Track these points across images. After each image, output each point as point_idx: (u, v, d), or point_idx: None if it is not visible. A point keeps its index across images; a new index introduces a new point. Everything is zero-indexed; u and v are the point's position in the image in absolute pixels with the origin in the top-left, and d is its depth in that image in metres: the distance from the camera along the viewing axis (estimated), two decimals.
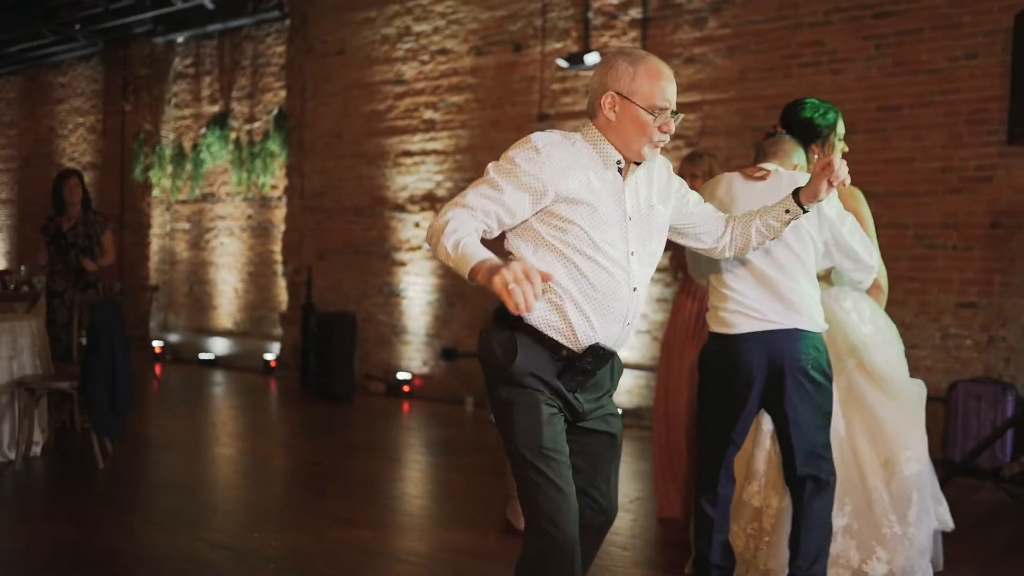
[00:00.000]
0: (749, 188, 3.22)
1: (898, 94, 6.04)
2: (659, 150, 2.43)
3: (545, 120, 7.69)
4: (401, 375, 8.62)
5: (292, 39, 9.65)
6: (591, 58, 7.26)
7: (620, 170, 2.41)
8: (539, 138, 2.35)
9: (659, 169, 2.56)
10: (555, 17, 7.70)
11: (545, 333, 2.36)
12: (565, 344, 2.36)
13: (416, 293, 8.70)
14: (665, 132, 2.39)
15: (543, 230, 2.35)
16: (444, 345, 8.44)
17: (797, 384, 3.15)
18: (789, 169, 3.31)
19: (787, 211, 2.77)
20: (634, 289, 2.41)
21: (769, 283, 3.16)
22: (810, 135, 3.46)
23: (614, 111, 2.37)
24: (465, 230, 2.20)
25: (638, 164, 2.43)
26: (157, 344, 10.97)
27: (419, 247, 8.62)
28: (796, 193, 2.76)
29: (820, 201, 2.74)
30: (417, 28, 8.62)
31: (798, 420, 3.17)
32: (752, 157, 3.53)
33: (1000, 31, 5.64)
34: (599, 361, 2.40)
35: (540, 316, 2.35)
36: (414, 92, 8.66)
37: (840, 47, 6.26)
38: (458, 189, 8.26)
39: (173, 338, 11.23)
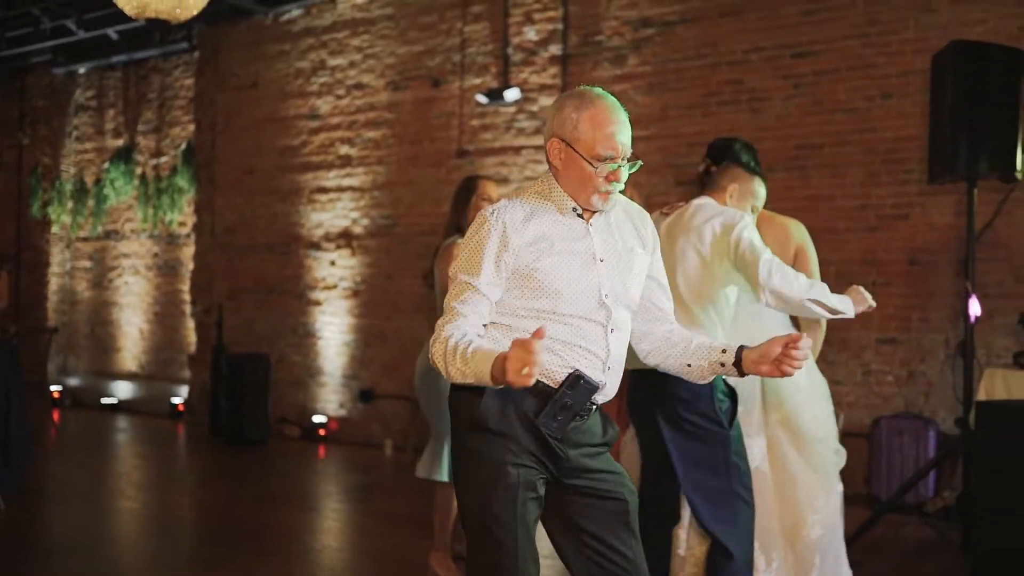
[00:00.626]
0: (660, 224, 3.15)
1: (817, 133, 6.11)
2: (611, 200, 2.29)
3: (464, 156, 7.58)
4: (317, 418, 8.33)
5: (202, 72, 9.36)
6: (511, 94, 7.19)
7: (580, 215, 2.28)
8: (487, 210, 2.24)
9: (641, 217, 2.41)
10: (474, 52, 7.62)
11: None
12: (541, 380, 2.15)
13: (332, 333, 8.44)
14: (613, 181, 2.23)
15: (505, 298, 2.22)
16: (362, 386, 8.20)
17: (672, 424, 3.10)
18: (725, 203, 3.26)
19: (722, 364, 2.31)
20: (611, 331, 2.26)
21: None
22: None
23: (560, 158, 2.23)
24: (462, 334, 2.08)
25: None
26: (55, 389, 10.41)
27: (335, 286, 8.38)
28: (741, 352, 2.28)
29: (756, 370, 2.26)
30: (332, 62, 8.44)
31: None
32: (674, 194, 3.50)
33: (914, 72, 5.76)
34: (581, 395, 2.18)
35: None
36: (329, 127, 8.46)
37: (759, 86, 6.31)
38: (375, 226, 8.09)
39: (73, 382, 10.69)
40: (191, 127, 9.54)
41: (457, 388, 2.21)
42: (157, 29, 8.51)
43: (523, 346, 1.89)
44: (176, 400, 9.51)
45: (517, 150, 7.37)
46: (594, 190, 2.23)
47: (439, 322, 2.15)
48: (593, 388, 2.20)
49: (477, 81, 7.57)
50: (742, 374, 2.29)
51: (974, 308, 4.50)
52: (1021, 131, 4.40)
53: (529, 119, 7.31)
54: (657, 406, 3.11)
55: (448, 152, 7.69)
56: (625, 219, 2.36)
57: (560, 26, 7.17)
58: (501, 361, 1.93)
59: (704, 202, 3.27)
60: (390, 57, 8.10)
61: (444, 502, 4.14)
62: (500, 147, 7.46)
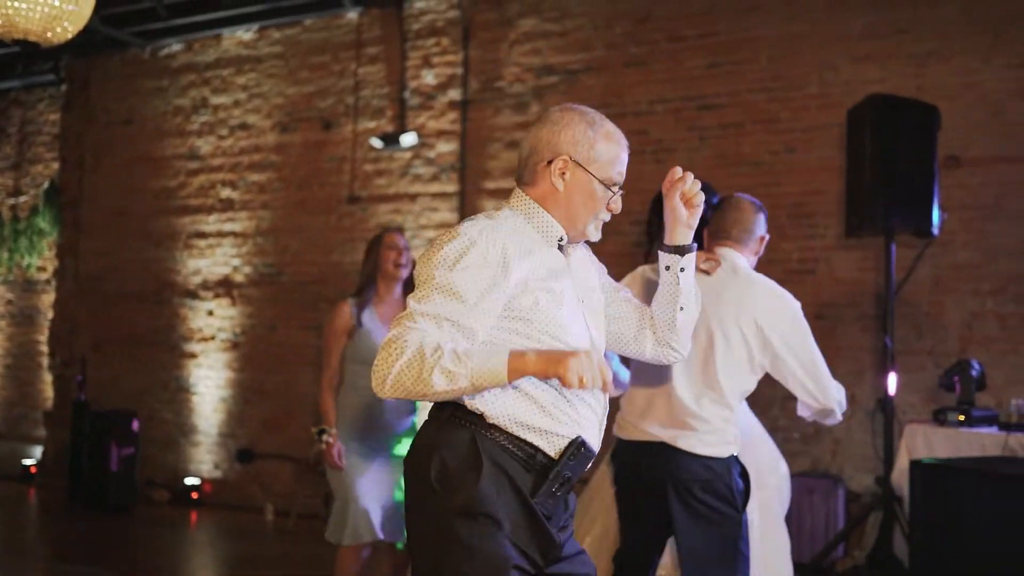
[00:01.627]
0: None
1: (723, 186, 6.00)
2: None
3: (356, 203, 7.22)
4: (189, 480, 7.69)
5: (69, 106, 8.72)
6: (407, 139, 6.91)
7: (561, 247, 2.00)
8: (470, 226, 1.91)
9: (587, 251, 2.18)
10: (368, 95, 7.31)
11: (517, 435, 1.86)
12: (541, 447, 1.86)
13: (208, 388, 7.86)
14: (612, 211, 2.04)
15: (499, 337, 1.90)
16: (239, 446, 7.63)
17: (684, 505, 2.82)
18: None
19: (667, 267, 2.18)
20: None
21: (661, 386, 2.85)
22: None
23: (563, 179, 1.97)
24: (443, 342, 1.77)
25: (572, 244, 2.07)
26: None
27: (212, 337, 7.82)
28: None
29: (685, 227, 2.16)
30: (215, 100, 7.98)
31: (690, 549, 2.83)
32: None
33: (818, 127, 5.77)
34: (580, 465, 1.91)
35: (507, 411, 1.85)
36: (210, 169, 7.97)
37: (664, 137, 6.22)
38: (258, 274, 7.61)
39: None
40: (55, 165, 8.86)
41: (447, 460, 1.83)
42: (23, 53, 7.87)
43: (589, 356, 1.71)
44: (28, 462, 8.66)
45: (413, 197, 7.06)
46: (594, 219, 1.99)
47: (390, 336, 1.81)
48: (591, 455, 1.92)
49: (371, 124, 7.26)
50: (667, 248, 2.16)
51: (892, 382, 4.46)
52: (937, 186, 4.38)
53: (426, 165, 7.03)
54: (669, 483, 2.80)
55: (339, 198, 7.31)
56: (584, 254, 2.12)
57: (460, 71, 6.95)
58: (544, 358, 1.71)
59: (739, 261, 3.00)
60: (278, 97, 7.70)
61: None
62: (394, 194, 7.14)
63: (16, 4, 4.57)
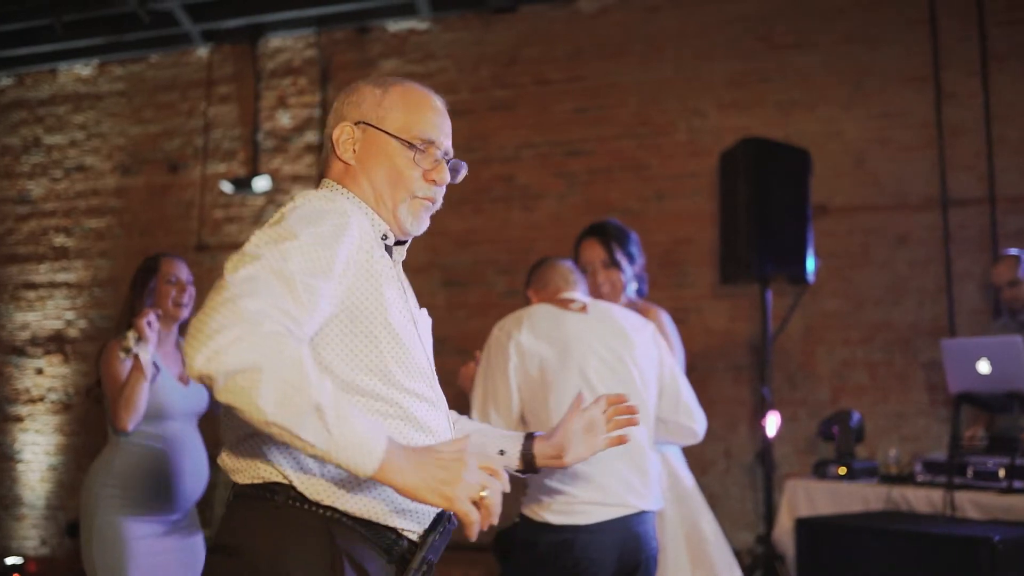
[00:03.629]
0: (579, 322, 2.62)
1: None
2: (427, 216, 1.65)
3: (205, 251, 6.71)
4: (10, 560, 6.88)
5: None
6: (260, 183, 6.47)
7: (388, 248, 1.61)
8: (316, 200, 1.50)
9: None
10: (219, 137, 6.85)
11: (378, 520, 1.44)
12: (406, 530, 1.47)
13: (35, 455, 7.09)
14: (434, 183, 1.62)
15: (345, 349, 1.48)
16: (69, 519, 6.88)
17: None
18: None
19: (501, 452, 1.84)
20: (454, 423, 1.67)
21: (625, 447, 2.54)
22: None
23: (354, 149, 1.59)
24: (318, 373, 1.29)
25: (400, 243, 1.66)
26: None
27: (40, 398, 7.09)
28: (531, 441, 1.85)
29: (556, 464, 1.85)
30: (49, 140, 7.34)
31: None
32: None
33: (687, 175, 5.68)
34: (443, 541, 1.52)
35: (366, 490, 1.44)
36: (43, 213, 7.29)
37: (532, 182, 6.01)
38: (94, 328, 6.96)
39: None
40: None
41: (271, 562, 1.39)
42: None
43: (484, 463, 1.33)
44: None
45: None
46: (408, 194, 1.59)
47: (218, 300, 1.29)
48: (452, 528, 1.52)
49: (222, 168, 6.79)
50: (532, 469, 1.81)
51: (771, 424, 4.28)
52: (811, 232, 4.28)
53: None
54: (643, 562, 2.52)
55: (186, 245, 6.77)
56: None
57: (318, 112, 6.59)
58: (433, 460, 1.29)
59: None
60: (120, 137, 7.14)
61: None
62: (246, 241, 6.65)
63: None
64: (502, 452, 1.82)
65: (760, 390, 4.85)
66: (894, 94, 5.42)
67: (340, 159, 1.61)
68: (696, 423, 2.81)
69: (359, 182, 1.61)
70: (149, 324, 3.09)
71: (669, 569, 3.11)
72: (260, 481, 1.46)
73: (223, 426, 1.55)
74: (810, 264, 4.33)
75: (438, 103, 1.66)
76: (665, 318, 3.46)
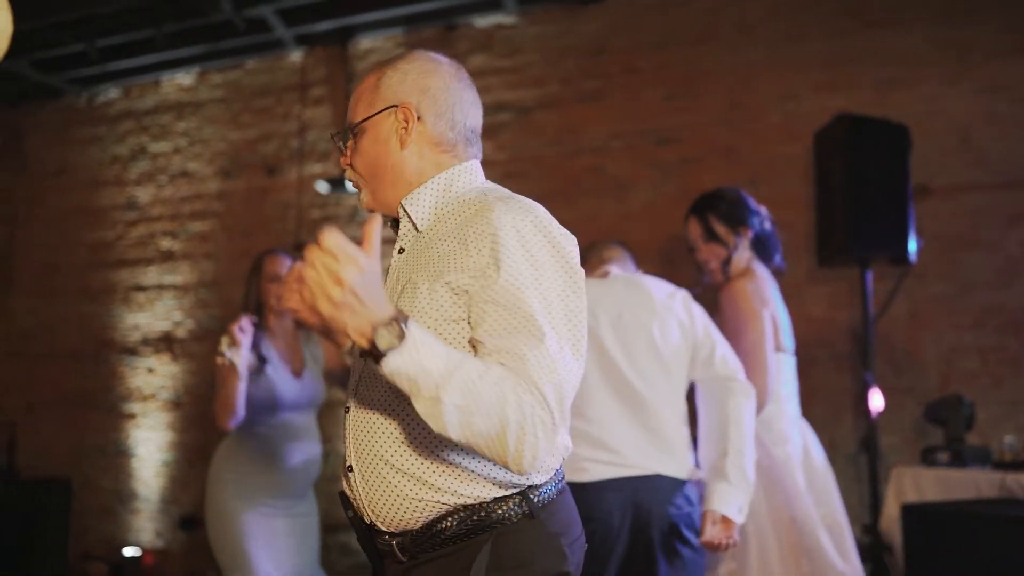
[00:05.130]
0: (596, 287, 2.66)
1: None
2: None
3: (303, 250, 6.85)
4: (128, 551, 7.17)
5: (0, 157, 8.31)
6: None
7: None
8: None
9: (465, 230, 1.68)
10: (314, 139, 7.00)
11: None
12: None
13: (148, 451, 7.38)
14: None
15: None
16: (182, 513, 7.14)
17: (669, 547, 2.47)
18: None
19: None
20: (346, 409, 1.65)
21: (636, 409, 2.50)
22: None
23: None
24: None
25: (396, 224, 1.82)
26: None
27: (152, 396, 7.37)
28: None
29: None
30: (154, 148, 7.62)
31: None
32: None
33: (781, 158, 5.55)
34: (356, 530, 1.59)
35: None
36: (150, 219, 7.58)
37: (622, 173, 5.97)
38: (201, 328, 7.20)
39: None
40: None
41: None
42: None
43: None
44: None
45: (361, 242, 6.71)
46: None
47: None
48: (361, 525, 1.56)
49: (317, 168, 6.94)
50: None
51: (876, 402, 4.13)
52: (912, 210, 4.13)
53: None
54: (652, 521, 2.48)
55: (285, 245, 6.95)
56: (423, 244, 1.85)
57: None
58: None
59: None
60: (220, 143, 7.37)
61: None
62: None
63: None
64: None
65: (863, 377, 4.70)
66: (1000, 67, 5.19)
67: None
68: (732, 370, 2.72)
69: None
70: (241, 329, 3.20)
71: (751, 553, 3.03)
72: None
73: None
74: (912, 245, 4.18)
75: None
76: (743, 289, 3.27)
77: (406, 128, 1.73)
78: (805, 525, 3.01)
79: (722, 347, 2.75)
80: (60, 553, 6.97)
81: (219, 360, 3.27)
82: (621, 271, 2.88)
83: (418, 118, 1.74)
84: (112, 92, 7.83)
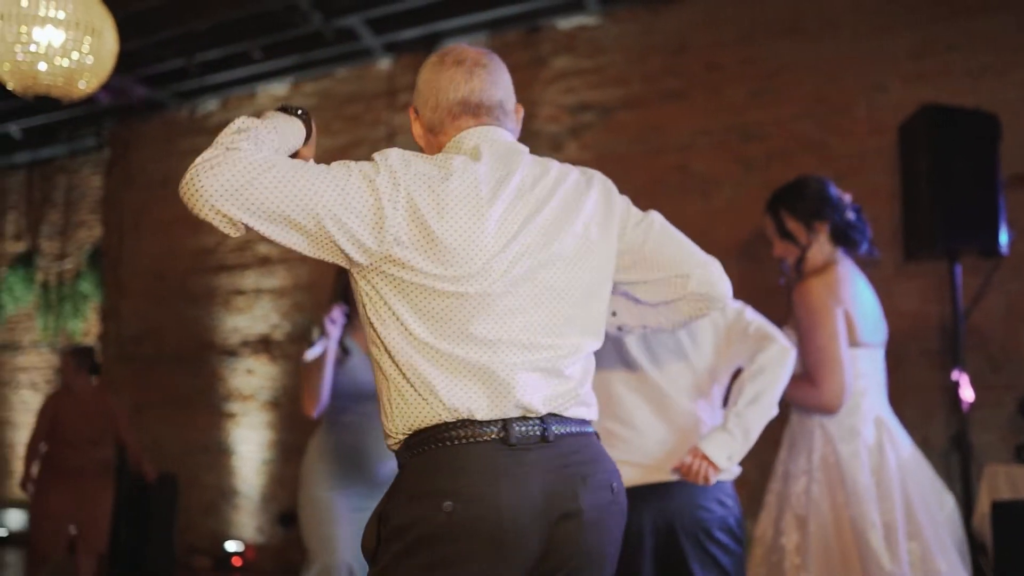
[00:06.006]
0: None
1: None
2: None
3: None
4: (230, 545, 7.46)
5: (110, 170, 8.74)
6: None
7: None
8: None
9: None
10: (403, 143, 7.16)
11: None
12: None
13: (248, 450, 7.66)
14: None
15: None
16: (281, 509, 7.39)
17: (701, 552, 2.46)
18: None
19: None
20: None
21: (658, 403, 2.51)
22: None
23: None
24: None
25: None
26: None
27: (252, 396, 7.64)
28: None
29: None
30: None
31: None
32: None
33: (869, 152, 5.45)
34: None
35: None
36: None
37: (708, 170, 5.94)
38: (297, 330, 7.44)
39: None
40: (98, 229, 8.87)
41: None
42: (68, 120, 7.92)
43: None
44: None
45: None
46: None
47: None
48: None
49: None
50: None
51: (965, 391, 4.02)
52: (1003, 201, 4.02)
53: None
54: (680, 526, 2.48)
55: None
56: None
57: None
58: None
59: None
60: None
61: None
62: None
63: (36, 61, 4.51)
64: None
65: (963, 367, 4.56)
66: None
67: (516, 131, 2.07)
68: (769, 334, 2.66)
69: None
70: (332, 320, 3.34)
71: (812, 550, 2.99)
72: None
73: None
74: (1003, 237, 4.06)
75: None
76: (814, 288, 3.19)
77: (416, 124, 2.04)
78: (858, 524, 2.95)
79: (755, 319, 2.70)
80: (168, 547, 7.29)
81: (307, 355, 3.42)
82: None
83: (417, 114, 2.02)
84: (211, 104, 8.16)
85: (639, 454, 2.51)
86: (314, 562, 3.40)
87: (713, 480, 2.40)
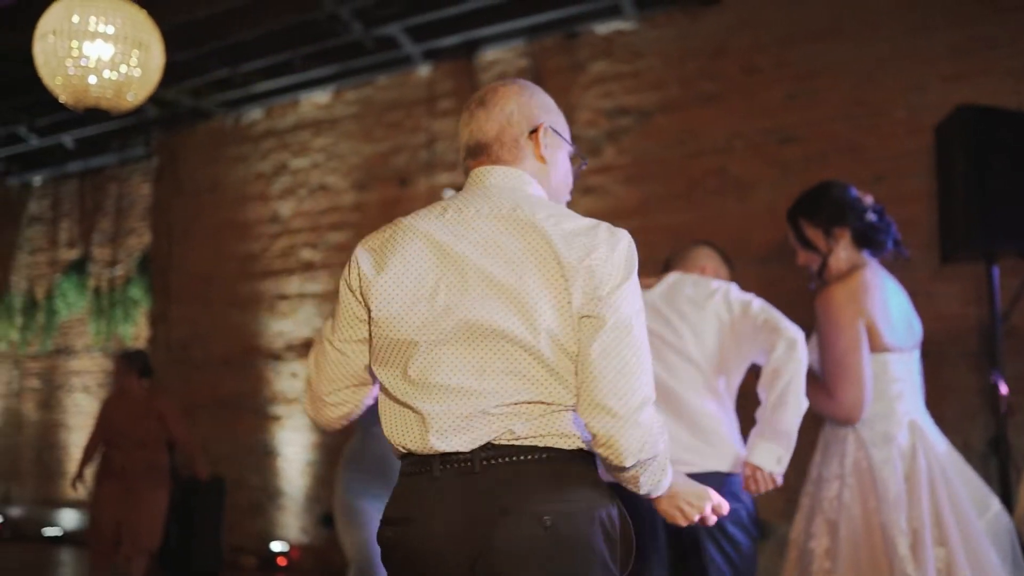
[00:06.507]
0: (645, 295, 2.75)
1: None
2: None
3: None
4: (276, 546, 7.60)
5: (160, 177, 8.96)
6: None
7: None
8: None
9: None
10: (442, 150, 7.26)
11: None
12: None
13: (294, 452, 7.80)
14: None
15: None
16: (324, 510, 7.51)
17: (714, 545, 2.50)
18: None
19: None
20: None
21: (670, 400, 2.56)
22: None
23: (548, 149, 1.86)
24: None
25: None
26: None
27: (295, 399, 7.78)
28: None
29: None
30: (294, 164, 8.07)
31: None
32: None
33: (907, 154, 5.42)
34: None
35: None
36: (291, 231, 8.02)
37: (744, 173, 5.95)
38: None
39: (15, 512, 9.88)
40: (147, 236, 9.09)
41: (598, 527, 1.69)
42: (119, 131, 8.13)
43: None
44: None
45: None
46: (570, 190, 1.97)
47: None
48: None
49: (445, 179, 7.19)
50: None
51: (1001, 386, 3.99)
52: None
53: None
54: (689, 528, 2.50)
55: None
56: None
57: None
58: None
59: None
60: (355, 157, 7.73)
61: None
62: None
63: (87, 75, 4.66)
64: None
65: (1001, 369, 4.53)
66: None
67: (540, 157, 1.83)
68: (778, 326, 2.70)
69: (548, 178, 1.86)
70: None
71: (843, 555, 3.00)
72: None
73: None
74: None
75: None
76: (834, 297, 3.17)
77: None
78: (889, 531, 2.95)
79: (762, 310, 2.74)
80: (215, 546, 7.45)
81: None
82: (674, 273, 2.94)
83: None
84: (255, 113, 8.33)
85: None
86: (351, 566, 3.48)
87: (780, 482, 2.50)
